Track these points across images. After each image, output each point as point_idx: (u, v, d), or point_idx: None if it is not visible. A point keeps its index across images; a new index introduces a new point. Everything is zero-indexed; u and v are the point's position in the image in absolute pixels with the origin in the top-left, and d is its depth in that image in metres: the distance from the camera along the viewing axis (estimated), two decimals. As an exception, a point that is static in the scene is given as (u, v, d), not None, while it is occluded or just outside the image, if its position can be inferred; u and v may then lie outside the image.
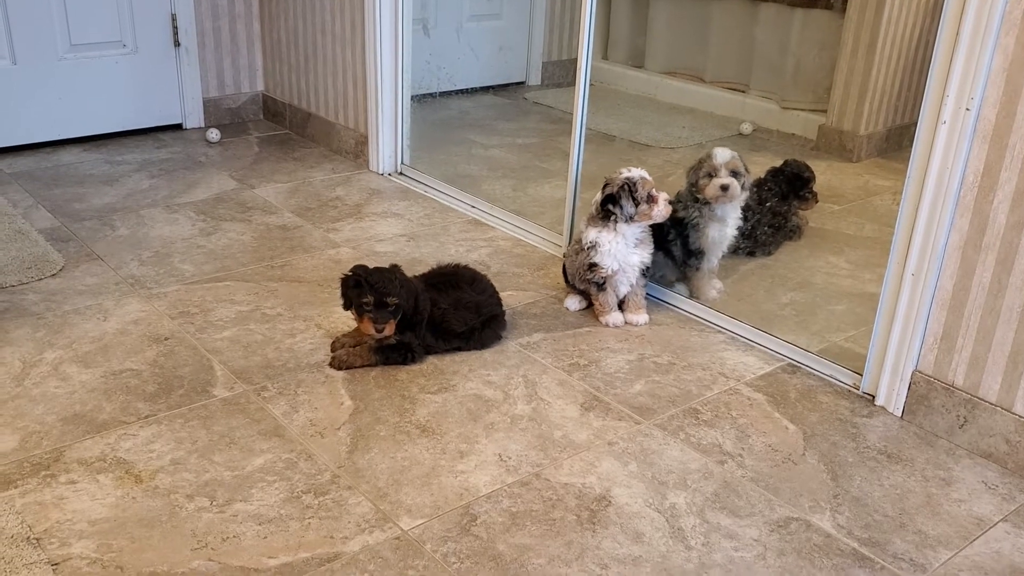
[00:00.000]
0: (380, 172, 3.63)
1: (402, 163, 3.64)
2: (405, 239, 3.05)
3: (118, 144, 3.83)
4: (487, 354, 2.36)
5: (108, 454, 1.91)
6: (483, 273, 2.44)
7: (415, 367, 2.29)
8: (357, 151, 3.72)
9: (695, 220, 2.62)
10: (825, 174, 3.60)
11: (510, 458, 1.96)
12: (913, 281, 2.10)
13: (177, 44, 3.91)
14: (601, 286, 2.50)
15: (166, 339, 2.37)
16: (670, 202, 2.49)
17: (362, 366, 2.26)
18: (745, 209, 2.73)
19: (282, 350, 2.34)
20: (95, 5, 3.68)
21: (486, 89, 4.82)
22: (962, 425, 2.08)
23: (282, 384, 2.19)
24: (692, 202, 2.63)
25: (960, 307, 2.05)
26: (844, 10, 3.87)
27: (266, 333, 2.41)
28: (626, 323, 2.54)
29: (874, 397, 2.23)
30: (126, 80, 3.84)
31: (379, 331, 2.19)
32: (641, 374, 2.31)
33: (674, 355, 2.41)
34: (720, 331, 2.54)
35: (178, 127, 4.04)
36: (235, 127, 4.13)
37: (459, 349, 2.36)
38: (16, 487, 1.80)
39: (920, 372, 2.15)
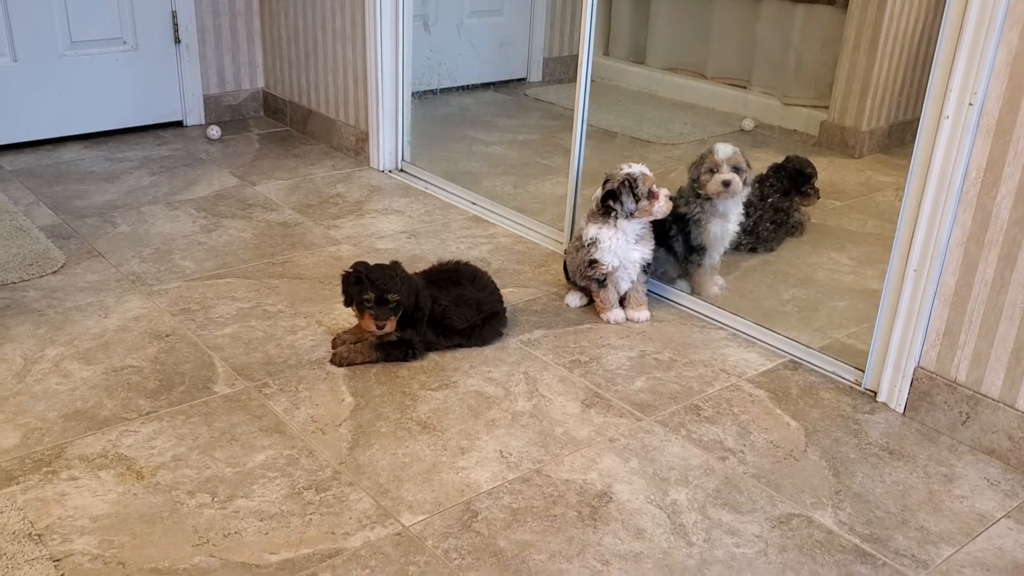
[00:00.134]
0: (381, 169, 3.63)
1: (403, 160, 3.63)
2: (406, 236, 3.05)
3: (119, 141, 3.83)
4: (488, 351, 2.36)
5: (109, 450, 1.91)
6: (484, 270, 2.44)
7: (416, 364, 2.29)
8: (358, 148, 3.72)
9: (697, 216, 2.61)
10: (827, 170, 3.59)
11: (511, 454, 1.96)
12: (915, 277, 2.10)
13: (177, 41, 3.91)
14: (602, 283, 2.50)
15: (167, 336, 2.36)
16: (671, 198, 2.48)
17: (363, 363, 2.26)
18: (747, 205, 2.73)
19: (283, 347, 2.34)
20: (95, 2, 3.68)
21: (487, 85, 4.81)
22: (964, 421, 2.08)
23: (283, 381, 2.19)
24: (694, 198, 2.62)
25: (962, 303, 2.04)
26: (846, 5, 3.86)
27: (267, 330, 2.41)
28: (627, 320, 2.54)
29: (876, 393, 2.23)
30: (127, 77, 3.84)
31: (380, 327, 2.19)
32: (642, 370, 2.31)
33: (675, 351, 2.41)
34: (722, 327, 2.53)
35: (179, 124, 4.04)
36: (235, 124, 4.13)
37: (460, 346, 2.36)
38: (18, 483, 1.80)
39: (922, 368, 2.14)
